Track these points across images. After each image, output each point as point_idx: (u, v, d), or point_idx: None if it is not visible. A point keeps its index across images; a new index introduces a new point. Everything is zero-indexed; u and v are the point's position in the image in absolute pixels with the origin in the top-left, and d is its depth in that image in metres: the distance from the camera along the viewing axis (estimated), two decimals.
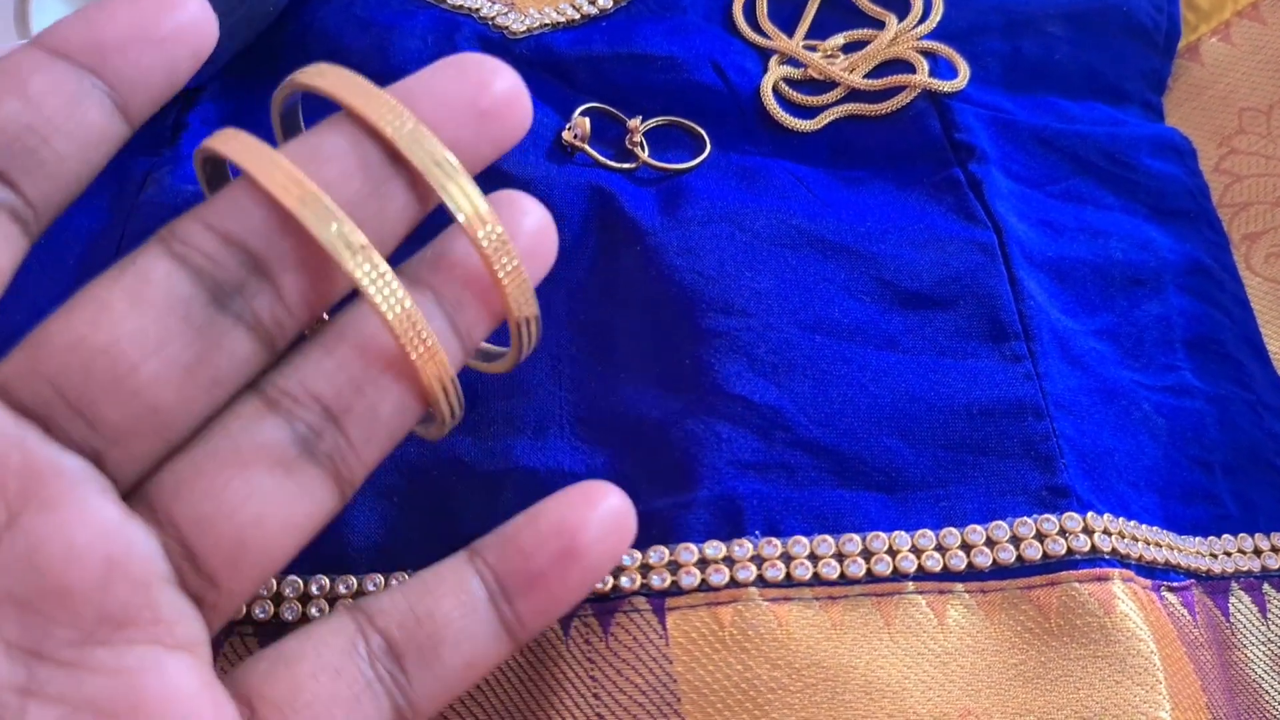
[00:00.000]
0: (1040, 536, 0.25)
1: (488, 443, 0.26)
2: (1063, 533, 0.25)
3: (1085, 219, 0.31)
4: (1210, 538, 0.28)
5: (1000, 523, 0.25)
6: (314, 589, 0.25)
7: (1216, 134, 0.35)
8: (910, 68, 0.32)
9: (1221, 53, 0.36)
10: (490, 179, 0.28)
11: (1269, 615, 0.28)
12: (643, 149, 0.30)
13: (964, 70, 0.32)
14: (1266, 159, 0.34)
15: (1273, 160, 0.34)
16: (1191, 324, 0.31)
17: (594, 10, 0.33)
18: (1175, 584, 0.26)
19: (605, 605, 0.24)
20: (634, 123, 0.30)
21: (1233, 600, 0.28)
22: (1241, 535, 0.28)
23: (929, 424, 0.26)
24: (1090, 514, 0.25)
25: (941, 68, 0.32)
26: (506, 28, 0.32)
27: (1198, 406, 0.30)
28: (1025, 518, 0.25)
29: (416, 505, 0.26)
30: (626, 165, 0.30)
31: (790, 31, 0.34)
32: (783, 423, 0.26)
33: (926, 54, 0.33)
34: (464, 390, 0.27)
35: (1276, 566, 0.28)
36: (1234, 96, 0.35)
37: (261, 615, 0.25)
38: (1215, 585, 0.27)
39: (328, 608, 0.25)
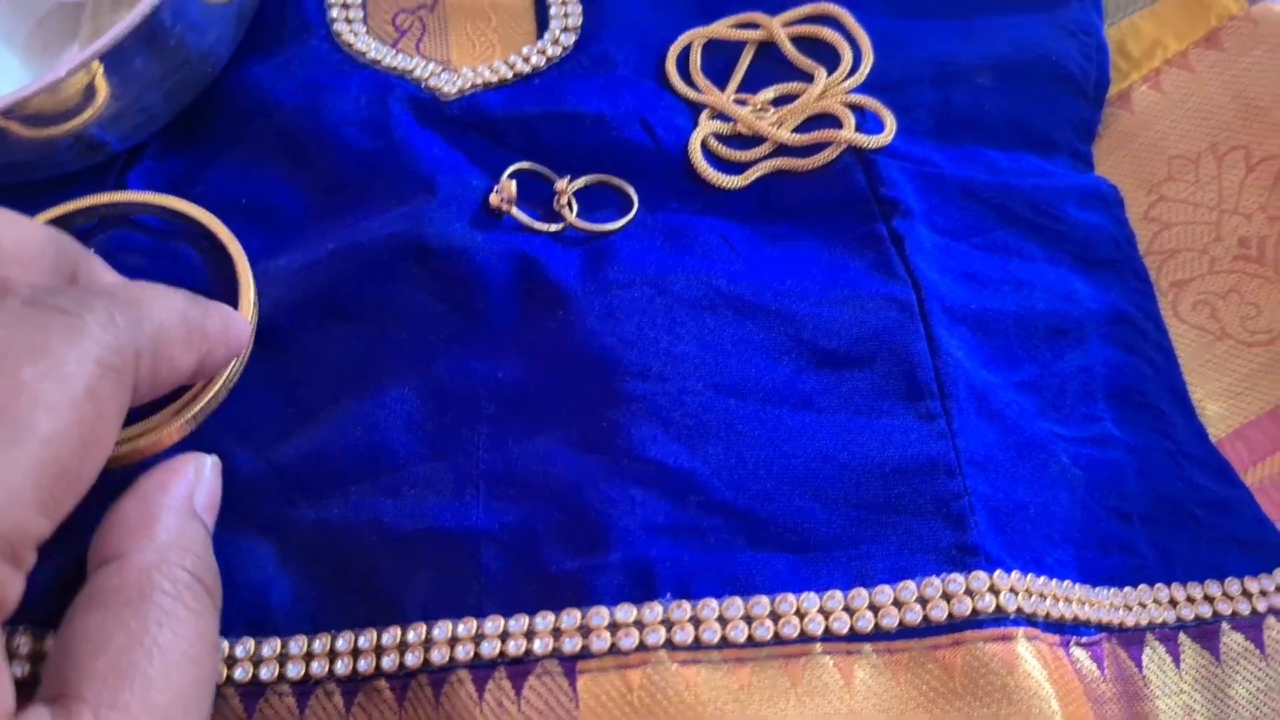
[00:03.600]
0: (947, 596, 0.25)
1: (407, 504, 0.27)
2: (969, 592, 0.26)
3: (1010, 270, 0.32)
4: (1126, 588, 0.29)
5: (908, 583, 0.26)
6: (239, 651, 0.26)
7: (1146, 181, 0.36)
8: (838, 122, 0.33)
9: (1152, 100, 0.36)
10: (415, 252, 0.29)
11: (1182, 666, 0.28)
12: (570, 210, 0.31)
13: (890, 124, 0.32)
14: (1194, 206, 0.35)
15: (1200, 208, 0.35)
16: (1114, 374, 0.31)
17: (527, 69, 0.33)
18: (1085, 639, 0.27)
19: (519, 668, 0.25)
20: (561, 184, 0.31)
21: (1147, 651, 0.28)
22: (1158, 585, 0.29)
23: (841, 484, 0.27)
24: (998, 572, 0.26)
25: (870, 121, 0.33)
26: (439, 89, 0.32)
27: (1117, 457, 0.30)
28: (933, 577, 0.26)
29: (338, 566, 0.27)
30: (553, 226, 0.30)
31: (724, 84, 0.34)
32: (696, 486, 0.26)
33: (854, 108, 0.33)
34: (388, 454, 0.28)
35: (1192, 617, 0.29)
36: (1163, 144, 0.36)
37: None
38: (1129, 637, 0.28)
39: (253, 670, 0.26)
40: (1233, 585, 0.29)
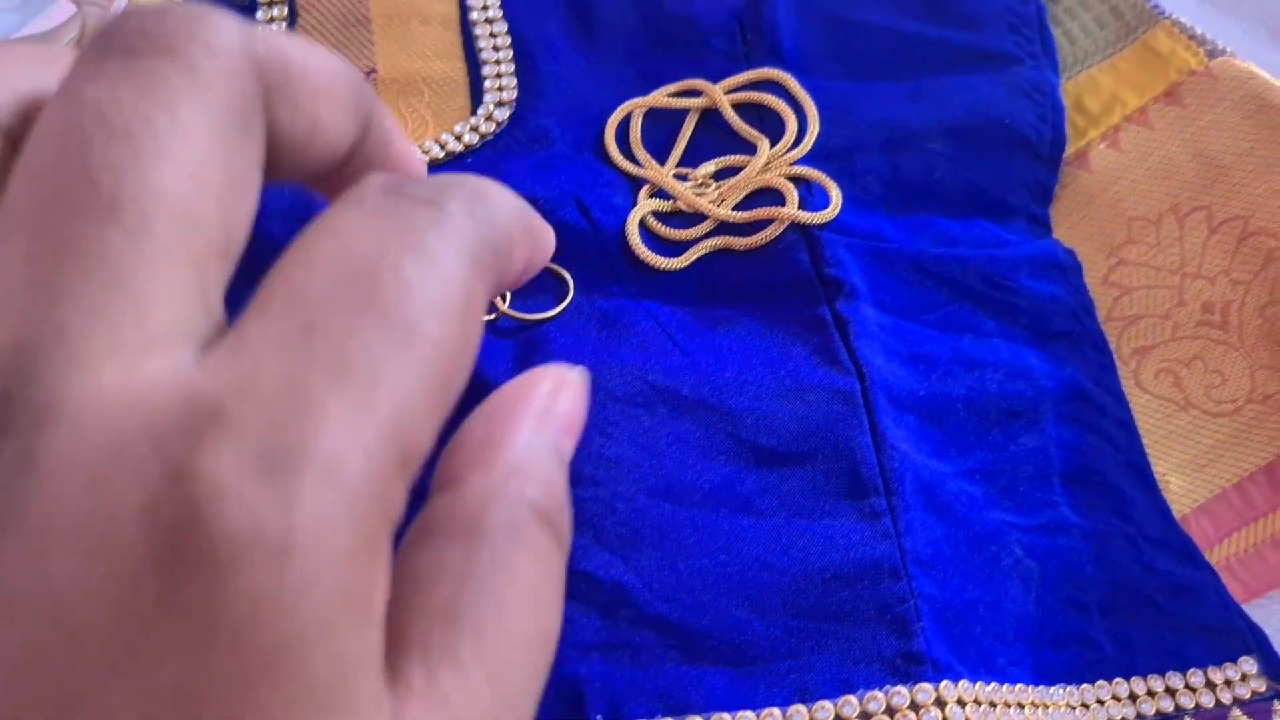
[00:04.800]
0: (890, 710, 0.24)
1: None
2: (914, 706, 0.24)
3: (961, 349, 0.31)
4: (1083, 685, 0.27)
5: (850, 697, 0.25)
6: None
7: (1106, 244, 0.34)
8: (782, 197, 0.31)
9: (1110, 160, 0.35)
10: None
11: None
12: (503, 298, 0.29)
13: (836, 198, 0.31)
14: (1156, 270, 0.34)
15: (1162, 272, 0.34)
16: (1070, 455, 0.30)
17: (459, 147, 0.32)
18: None
19: None
20: None
21: None
22: (1117, 680, 0.28)
23: (780, 592, 0.26)
24: (944, 683, 0.25)
25: (815, 194, 0.32)
26: None
27: (1073, 545, 0.29)
28: (876, 691, 0.25)
29: None
30: (486, 316, 0.29)
31: (666, 154, 0.33)
32: (628, 599, 0.25)
33: (799, 180, 0.32)
34: None
35: (1153, 712, 0.27)
36: (1123, 205, 0.35)
37: None
38: None
39: None
40: (1195, 676, 0.28)
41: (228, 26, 0.15)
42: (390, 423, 0.13)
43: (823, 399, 0.28)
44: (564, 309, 0.30)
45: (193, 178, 0.14)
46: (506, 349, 0.29)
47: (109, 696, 0.12)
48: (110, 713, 0.12)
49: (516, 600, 0.15)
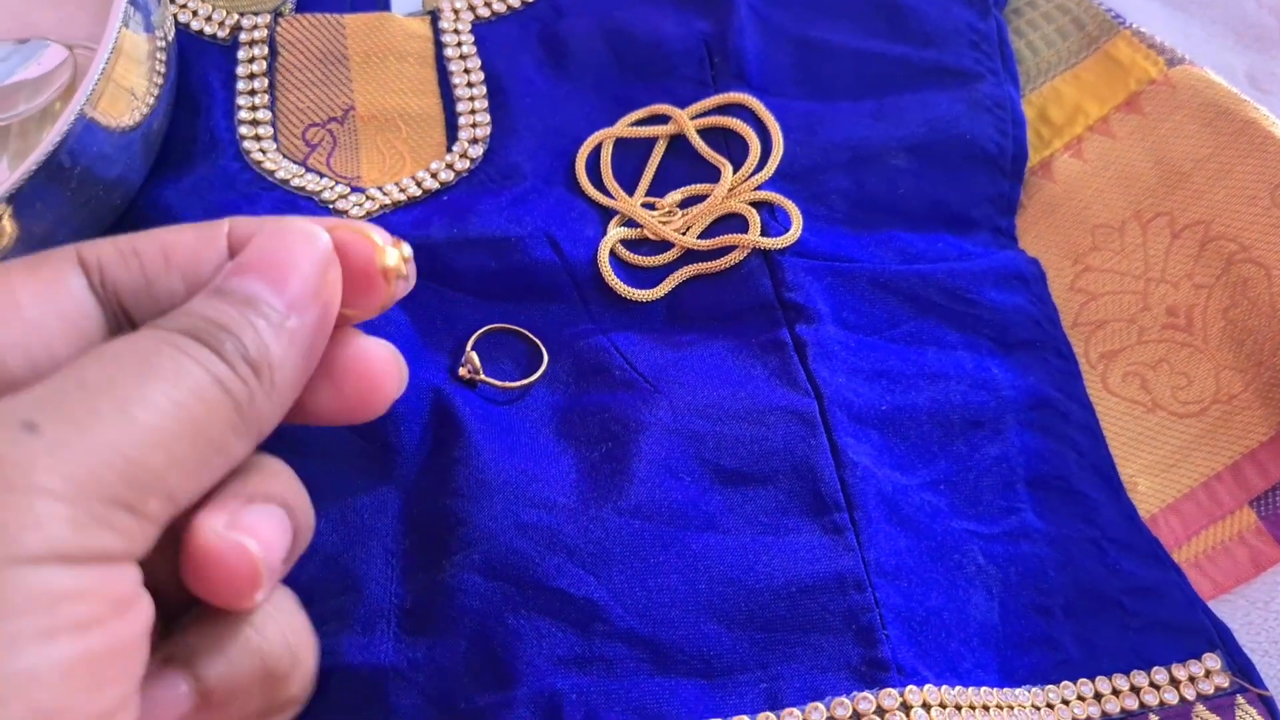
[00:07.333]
0: (857, 716, 0.25)
1: (321, 640, 0.27)
2: (879, 710, 0.25)
3: (925, 363, 0.32)
4: (1048, 686, 0.28)
5: (818, 704, 0.26)
6: None
7: (1071, 252, 0.35)
8: (746, 222, 0.32)
9: (1074, 169, 0.36)
10: None
11: None
12: (479, 371, 0.30)
13: (797, 222, 0.32)
14: (1121, 275, 0.35)
15: (1127, 277, 0.34)
16: (1034, 462, 0.31)
17: (435, 185, 0.33)
18: None
19: None
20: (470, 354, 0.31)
21: None
22: (1081, 680, 0.29)
23: (747, 606, 0.27)
24: (909, 687, 0.26)
25: (779, 218, 0.33)
26: (346, 212, 0.33)
27: (1037, 550, 0.30)
28: (843, 698, 0.26)
29: None
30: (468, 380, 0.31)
31: (636, 182, 0.34)
32: (601, 615, 0.27)
33: (763, 204, 0.33)
34: (301, 589, 0.28)
35: (1117, 710, 0.28)
36: (1087, 213, 0.35)
37: None
38: None
39: None
40: (1159, 674, 0.29)
41: None
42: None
43: (781, 420, 0.29)
44: (538, 378, 0.31)
45: None
46: (488, 412, 0.30)
47: None
48: None
49: (114, 382, 0.18)
